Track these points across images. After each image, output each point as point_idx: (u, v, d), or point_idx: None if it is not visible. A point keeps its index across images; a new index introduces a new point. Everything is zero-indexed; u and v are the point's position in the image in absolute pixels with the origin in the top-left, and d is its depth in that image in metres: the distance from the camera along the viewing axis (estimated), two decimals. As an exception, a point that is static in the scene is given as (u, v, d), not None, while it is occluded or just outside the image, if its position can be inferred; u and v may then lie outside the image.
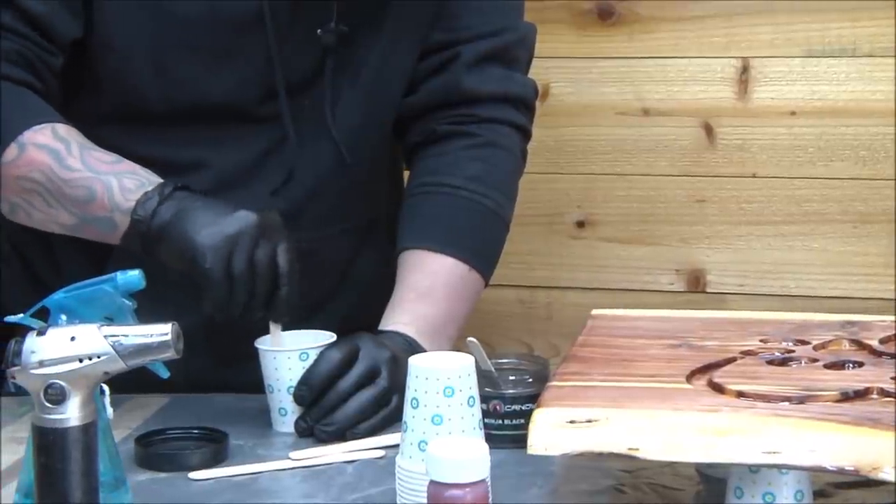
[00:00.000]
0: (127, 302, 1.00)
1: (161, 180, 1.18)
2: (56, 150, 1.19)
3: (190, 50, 1.26)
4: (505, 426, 1.12)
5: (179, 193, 1.17)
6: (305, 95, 1.30)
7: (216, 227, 1.14)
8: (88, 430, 0.84)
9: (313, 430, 1.16)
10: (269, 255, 1.14)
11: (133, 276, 1.00)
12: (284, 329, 1.20)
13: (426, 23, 1.34)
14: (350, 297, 1.39)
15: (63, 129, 1.21)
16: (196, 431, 1.15)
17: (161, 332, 0.86)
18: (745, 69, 1.72)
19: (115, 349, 0.85)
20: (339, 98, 1.31)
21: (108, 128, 1.25)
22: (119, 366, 0.85)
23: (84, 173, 1.18)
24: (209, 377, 1.28)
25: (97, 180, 1.18)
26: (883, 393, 0.90)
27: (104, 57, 1.26)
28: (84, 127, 1.23)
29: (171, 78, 1.26)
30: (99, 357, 0.84)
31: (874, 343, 1.02)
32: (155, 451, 1.11)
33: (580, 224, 1.81)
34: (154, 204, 1.16)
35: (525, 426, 0.90)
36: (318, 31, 1.27)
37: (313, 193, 1.32)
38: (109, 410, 1.00)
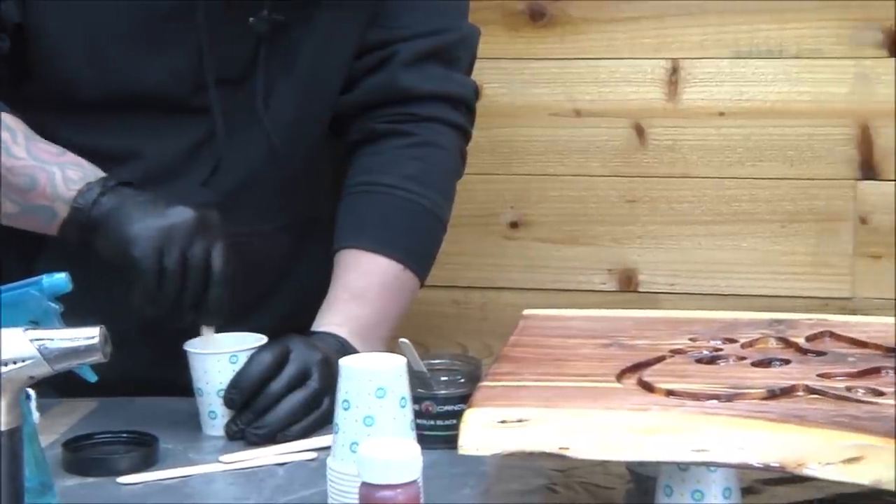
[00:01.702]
0: (53, 305, 0.99)
1: (105, 174, 1.18)
2: (2, 139, 1.18)
3: (122, 37, 1.25)
4: (437, 427, 1.12)
5: (122, 188, 1.17)
6: (240, 87, 1.29)
7: (151, 219, 1.14)
8: (14, 435, 0.83)
9: (244, 433, 1.15)
10: (203, 253, 1.14)
11: (59, 280, 0.99)
12: (217, 332, 1.19)
13: (363, 19, 1.34)
14: (291, 296, 1.38)
15: (9, 118, 1.21)
16: (125, 435, 1.14)
17: (88, 335, 0.85)
18: (674, 70, 1.73)
19: (40, 353, 0.83)
20: (272, 89, 1.30)
21: (39, 114, 1.25)
22: (45, 370, 0.84)
23: (28, 162, 1.18)
24: (145, 376, 1.27)
25: (41, 169, 1.18)
26: (809, 390, 0.92)
27: (37, 42, 1.25)
28: (15, 112, 1.22)
29: (102, 65, 1.25)
30: (24, 361, 0.83)
31: (801, 341, 1.04)
32: (83, 456, 1.10)
33: (514, 225, 1.81)
34: (95, 195, 1.16)
35: (457, 427, 0.90)
36: (251, 19, 1.26)
37: (245, 186, 1.31)
38: (35, 415, 0.99)
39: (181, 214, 1.14)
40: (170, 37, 1.26)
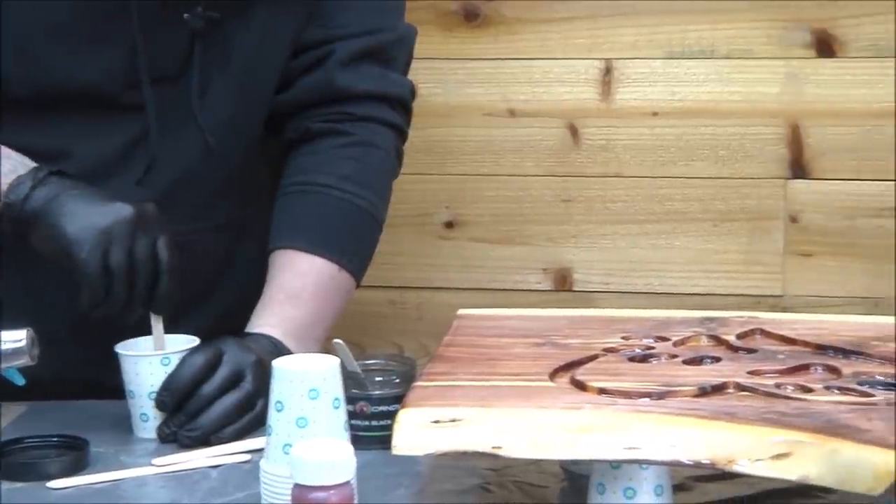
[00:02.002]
0: (-20, 308, 0.97)
1: (35, 165, 1.16)
2: None
3: (53, 34, 1.23)
4: (372, 427, 1.12)
5: (53, 179, 1.15)
6: (175, 84, 1.28)
7: (90, 219, 1.12)
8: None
9: (177, 435, 1.14)
10: (148, 248, 1.13)
11: (-14, 282, 0.97)
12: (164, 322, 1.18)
13: (300, 17, 1.33)
14: (227, 297, 1.38)
15: None
16: (55, 439, 1.12)
17: (14, 338, 0.84)
18: (608, 70, 1.74)
19: (-35, 357, 0.82)
20: (208, 87, 1.29)
21: None
22: (-30, 374, 0.83)
23: None
24: (75, 377, 1.26)
25: None
26: (739, 387, 0.92)
27: None
28: None
29: (33, 63, 1.23)
30: (-51, 365, 0.82)
31: (731, 339, 1.05)
32: (12, 461, 1.08)
33: (449, 224, 1.81)
34: (26, 189, 1.14)
35: (392, 427, 0.89)
36: (186, 15, 1.25)
37: (180, 185, 1.30)
38: (-38, 420, 0.97)
39: (119, 212, 1.13)
40: (103, 34, 1.24)
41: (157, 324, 1.18)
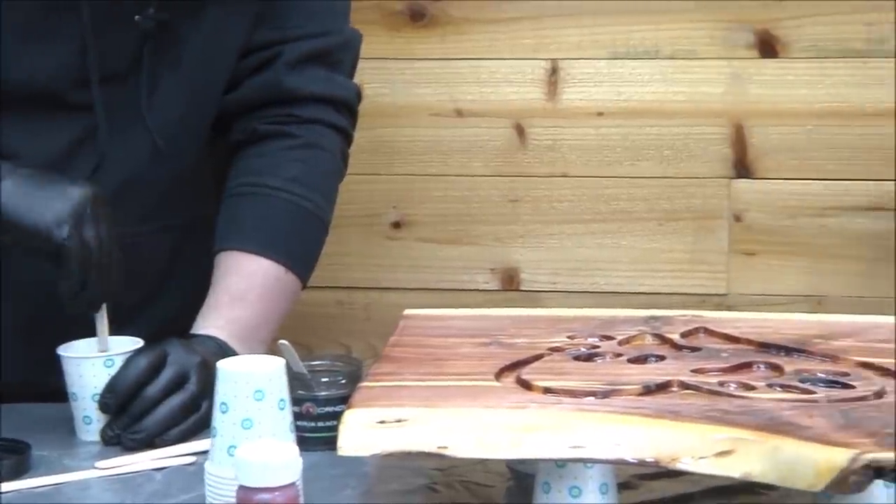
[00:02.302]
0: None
1: None
2: None
3: (2, 31, 1.21)
4: (319, 428, 1.12)
5: None
6: (123, 83, 1.27)
7: (59, 202, 1.11)
8: None
9: (120, 438, 1.13)
10: (110, 228, 1.13)
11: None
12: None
13: (249, 18, 1.33)
14: (175, 298, 1.37)
15: None
16: (-4, 443, 1.11)
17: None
18: (553, 70, 1.75)
19: None
20: (157, 87, 1.28)
21: None
22: None
23: None
24: (16, 380, 1.25)
25: None
26: (683, 386, 0.93)
27: None
28: None
29: None
30: None
31: (675, 337, 1.05)
32: (-47, 465, 1.07)
33: (396, 225, 1.81)
34: None
35: (338, 428, 0.89)
36: (137, 17, 1.24)
37: (128, 185, 1.29)
38: None
39: (84, 191, 1.13)
40: (52, 31, 1.23)
41: (101, 315, 1.16)
